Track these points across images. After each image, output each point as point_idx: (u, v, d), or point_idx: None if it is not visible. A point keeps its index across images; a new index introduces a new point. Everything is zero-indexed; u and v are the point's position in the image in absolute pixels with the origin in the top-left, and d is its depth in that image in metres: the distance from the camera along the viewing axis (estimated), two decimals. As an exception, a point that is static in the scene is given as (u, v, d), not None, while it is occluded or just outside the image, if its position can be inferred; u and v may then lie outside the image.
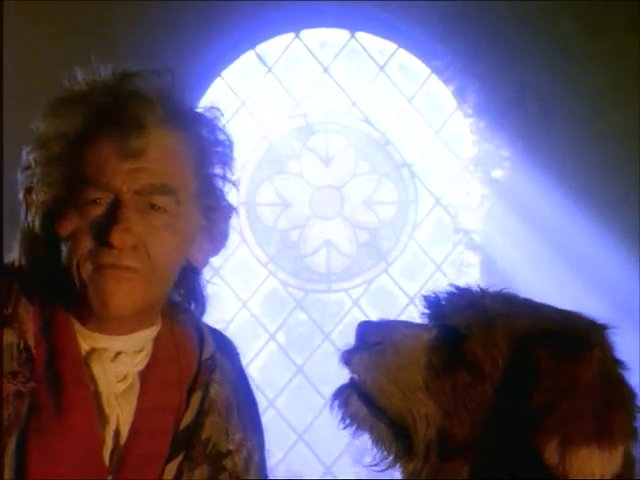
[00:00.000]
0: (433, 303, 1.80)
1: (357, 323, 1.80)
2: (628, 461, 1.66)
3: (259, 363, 5.55)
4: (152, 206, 1.95)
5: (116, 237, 1.90)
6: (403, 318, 5.61)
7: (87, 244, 1.91)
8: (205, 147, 2.03)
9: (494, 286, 1.81)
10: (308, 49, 5.86)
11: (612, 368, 1.69)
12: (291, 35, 5.84)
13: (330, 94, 5.88)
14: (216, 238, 2.07)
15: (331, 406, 1.77)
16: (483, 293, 1.78)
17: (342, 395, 1.76)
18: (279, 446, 5.44)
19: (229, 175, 2.06)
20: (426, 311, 1.80)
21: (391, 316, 5.68)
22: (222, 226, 2.07)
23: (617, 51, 5.47)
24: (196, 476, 2.02)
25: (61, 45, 5.47)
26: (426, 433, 1.69)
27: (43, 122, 2.02)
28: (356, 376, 1.75)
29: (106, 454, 1.95)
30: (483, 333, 1.69)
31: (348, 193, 5.86)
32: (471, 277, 5.60)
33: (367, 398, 1.74)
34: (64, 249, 1.94)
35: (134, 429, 1.97)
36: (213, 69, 5.73)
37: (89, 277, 1.92)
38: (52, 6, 5.47)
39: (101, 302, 1.92)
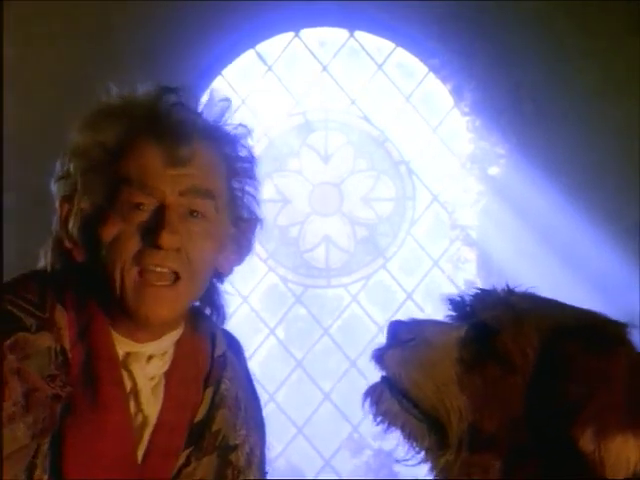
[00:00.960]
0: (459, 305, 1.82)
1: (389, 322, 1.82)
2: None
3: (259, 357, 5.54)
4: (192, 213, 2.00)
5: (165, 238, 1.95)
6: (401, 313, 5.63)
7: (133, 246, 1.96)
8: (233, 162, 2.09)
9: (519, 286, 1.83)
10: (307, 48, 5.87)
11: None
12: (291, 34, 5.85)
13: (329, 92, 5.88)
14: (242, 248, 2.12)
15: (363, 404, 1.77)
16: (509, 292, 1.80)
17: (375, 393, 1.77)
18: (279, 439, 5.45)
19: (253, 191, 2.12)
20: (452, 313, 1.82)
21: (389, 311, 5.71)
22: (248, 237, 2.13)
23: (611, 51, 5.48)
24: (203, 464, 2.07)
25: (63, 46, 5.49)
26: (459, 426, 1.70)
27: (80, 134, 2.04)
28: (390, 372, 1.76)
29: (141, 453, 2.00)
30: (513, 327, 1.71)
31: (347, 190, 5.87)
32: (468, 273, 5.63)
33: (400, 394, 1.75)
34: (104, 254, 1.97)
35: (159, 424, 2.02)
36: (214, 67, 5.73)
37: (133, 285, 1.96)
38: (54, 7, 5.48)
39: (145, 309, 1.97)
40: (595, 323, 1.74)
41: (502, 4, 5.45)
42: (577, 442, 1.62)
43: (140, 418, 2.01)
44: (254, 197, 2.13)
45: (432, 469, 1.75)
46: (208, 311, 2.15)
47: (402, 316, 5.50)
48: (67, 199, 2.03)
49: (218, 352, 2.16)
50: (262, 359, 5.59)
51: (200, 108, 2.08)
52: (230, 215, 2.07)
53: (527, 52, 5.47)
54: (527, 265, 5.31)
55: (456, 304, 1.82)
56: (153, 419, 2.02)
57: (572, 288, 5.18)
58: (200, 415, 2.09)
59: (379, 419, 1.76)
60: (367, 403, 1.77)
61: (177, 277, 1.98)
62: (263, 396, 2.35)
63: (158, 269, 1.97)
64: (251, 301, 5.76)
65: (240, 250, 2.12)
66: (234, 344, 2.23)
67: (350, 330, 5.76)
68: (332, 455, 5.59)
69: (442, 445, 1.72)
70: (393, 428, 1.76)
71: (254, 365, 5.42)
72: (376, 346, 1.80)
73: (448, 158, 5.78)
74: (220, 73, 5.78)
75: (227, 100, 2.13)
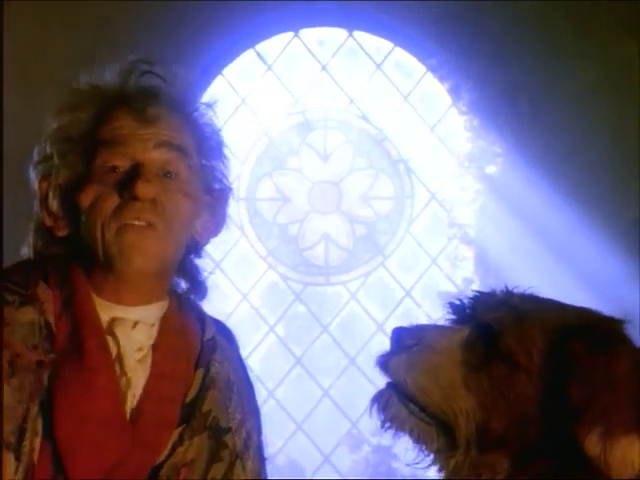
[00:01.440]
0: (459, 308, 1.83)
1: (392, 329, 1.81)
2: None
3: (259, 354, 5.54)
4: (166, 174, 2.06)
5: (140, 187, 2.01)
6: (400, 310, 5.63)
7: (111, 204, 2.02)
8: (200, 142, 2.14)
9: (517, 287, 1.84)
10: (307, 48, 5.88)
11: None
12: (290, 34, 5.85)
13: (328, 92, 5.88)
14: (218, 216, 2.18)
15: (370, 410, 1.78)
16: (509, 293, 1.81)
17: (381, 399, 1.78)
18: (279, 435, 5.46)
19: (222, 168, 2.18)
20: (453, 317, 1.83)
21: (388, 308, 5.72)
22: (222, 205, 2.19)
23: (606, 51, 5.49)
24: (195, 444, 2.10)
25: (63, 44, 5.49)
26: (467, 427, 1.71)
27: (57, 117, 2.13)
28: (395, 378, 1.77)
29: (127, 414, 2.05)
30: (516, 327, 1.72)
31: (346, 188, 5.87)
32: (465, 270, 5.64)
33: (407, 399, 1.76)
34: (84, 220, 2.04)
35: (145, 393, 2.06)
36: (214, 67, 5.74)
37: (113, 236, 2.02)
38: (54, 6, 5.49)
39: (126, 258, 2.02)
40: (596, 321, 1.76)
41: (499, 5, 5.46)
42: (582, 443, 1.63)
43: (124, 381, 2.05)
44: (223, 173, 2.18)
45: (441, 470, 1.76)
46: (187, 285, 2.21)
47: (400, 313, 5.52)
48: (45, 178, 2.11)
49: (207, 336, 2.20)
50: (262, 356, 5.59)
51: (169, 78, 2.16)
52: (202, 184, 2.13)
53: (524, 52, 5.47)
54: (524, 263, 5.32)
55: (456, 307, 1.83)
56: (138, 386, 2.06)
57: (568, 285, 5.21)
58: (191, 395, 2.12)
59: (387, 425, 1.77)
60: (374, 409, 1.77)
61: (153, 226, 2.04)
62: (263, 393, 2.36)
63: (136, 222, 2.03)
64: (251, 299, 5.76)
65: (216, 219, 2.18)
66: (224, 330, 2.29)
67: (349, 327, 5.76)
68: (331, 451, 5.60)
69: (451, 446, 1.73)
70: (401, 433, 1.76)
71: (254, 362, 5.44)
72: (380, 352, 1.80)
73: (446, 157, 5.78)
74: (220, 72, 5.78)
75: (190, 82, 2.21)
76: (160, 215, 2.04)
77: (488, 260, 5.50)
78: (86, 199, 2.04)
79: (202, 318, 2.23)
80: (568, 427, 1.65)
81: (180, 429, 2.09)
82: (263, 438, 2.26)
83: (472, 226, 5.62)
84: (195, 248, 2.18)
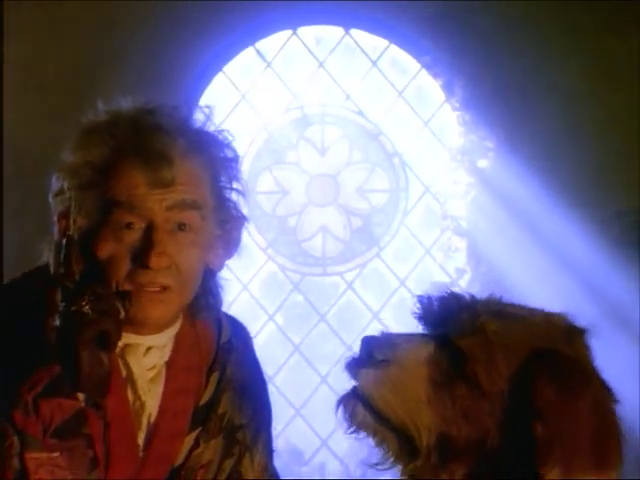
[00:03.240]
0: (426, 306, 1.83)
1: (362, 338, 1.82)
2: None
3: (259, 342, 5.26)
4: (179, 226, 2.06)
5: (153, 260, 2.02)
6: (395, 299, 5.63)
7: (125, 267, 2.02)
8: (217, 166, 2.14)
9: (481, 293, 1.83)
10: (305, 45, 5.88)
11: (604, 395, 1.73)
12: (289, 32, 5.84)
13: (326, 88, 5.88)
14: (230, 244, 2.19)
15: (336, 411, 1.81)
16: (477, 307, 1.79)
17: (348, 404, 1.80)
18: (278, 420, 5.39)
19: (238, 187, 2.17)
20: (419, 312, 1.84)
21: (383, 297, 5.71)
22: (236, 234, 2.19)
23: (594, 49, 5.50)
24: (211, 446, 2.15)
25: (67, 44, 5.50)
26: (428, 440, 1.74)
27: (71, 152, 2.11)
28: (363, 391, 1.78)
29: (141, 437, 2.08)
30: (483, 355, 1.72)
31: (342, 181, 5.87)
32: (458, 261, 5.65)
33: (372, 410, 1.78)
34: (102, 267, 2.03)
35: (162, 409, 2.10)
36: (215, 64, 5.75)
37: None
38: (58, 7, 5.51)
39: (140, 318, 2.04)
40: (558, 341, 1.74)
41: (491, 4, 5.46)
42: (542, 477, 1.66)
43: (138, 404, 2.08)
44: (240, 193, 2.18)
45: (402, 474, 1.79)
46: (206, 299, 2.20)
47: (395, 302, 5.53)
48: (63, 215, 2.10)
49: (224, 339, 2.23)
50: (262, 344, 5.52)
51: (180, 120, 2.12)
52: (216, 218, 2.13)
53: (515, 50, 5.47)
54: (514, 253, 5.36)
55: (423, 305, 1.84)
56: (152, 406, 2.09)
57: (554, 274, 5.25)
58: (205, 398, 2.16)
59: (352, 428, 1.80)
60: (340, 411, 1.80)
61: (169, 290, 2.05)
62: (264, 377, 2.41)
63: (150, 288, 2.04)
64: (251, 288, 5.77)
65: (228, 247, 2.18)
66: (240, 330, 2.32)
67: (346, 316, 5.76)
68: (329, 435, 5.62)
69: (412, 454, 1.76)
70: (365, 435, 1.80)
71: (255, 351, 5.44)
72: (349, 356, 1.81)
73: (439, 151, 5.78)
74: (221, 69, 5.79)
75: (209, 108, 2.18)
76: (175, 277, 2.04)
77: (480, 251, 5.52)
78: (103, 252, 2.03)
79: (219, 321, 2.25)
80: (530, 463, 1.67)
81: (196, 433, 2.13)
82: (272, 431, 2.31)
83: (464, 218, 5.63)
84: (210, 272, 2.18)
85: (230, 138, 2.16)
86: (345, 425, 1.79)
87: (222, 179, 2.14)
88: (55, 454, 1.96)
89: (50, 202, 2.13)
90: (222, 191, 2.14)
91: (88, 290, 1.96)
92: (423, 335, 1.82)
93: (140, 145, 2.07)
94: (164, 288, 2.05)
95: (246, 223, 2.21)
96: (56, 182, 2.12)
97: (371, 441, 1.80)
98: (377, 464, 1.80)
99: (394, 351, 1.77)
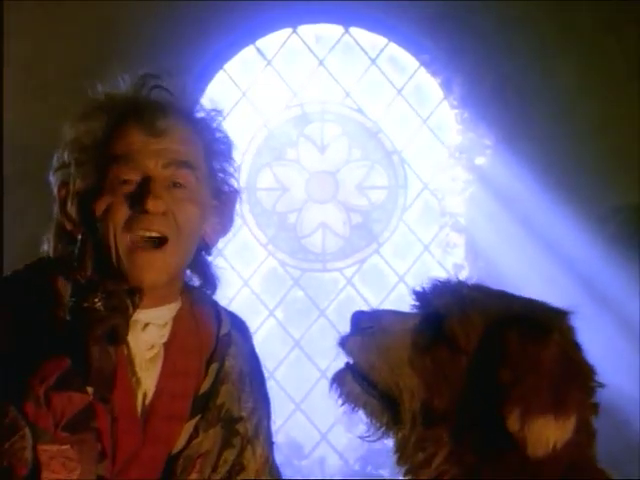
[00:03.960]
0: (421, 296, 1.91)
1: (352, 312, 1.92)
2: (587, 431, 1.79)
3: (259, 337, 5.49)
4: (175, 184, 2.10)
5: (150, 203, 2.05)
6: (394, 295, 5.64)
7: (123, 213, 2.06)
8: (210, 144, 2.18)
9: (471, 279, 1.92)
10: (305, 43, 5.90)
11: (571, 350, 1.79)
12: (289, 30, 5.87)
13: (325, 85, 5.90)
14: (225, 218, 2.22)
15: (330, 387, 1.89)
16: (462, 284, 1.89)
17: (339, 377, 1.88)
18: (278, 414, 5.38)
19: (230, 169, 2.21)
20: (416, 303, 1.92)
21: (382, 293, 5.72)
22: (230, 208, 2.23)
23: (589, 48, 5.53)
24: (210, 435, 2.16)
25: (68, 43, 5.53)
26: (411, 403, 1.80)
27: (73, 127, 2.16)
28: (351, 357, 1.88)
29: (138, 412, 2.10)
30: (460, 312, 1.80)
31: (342, 178, 5.88)
32: (456, 257, 5.67)
33: (360, 377, 1.86)
34: (99, 226, 2.08)
35: (158, 390, 2.12)
36: (216, 62, 5.78)
37: (125, 251, 2.06)
38: (58, 6, 5.54)
39: (137, 275, 2.06)
40: (534, 313, 1.82)
41: (490, 4, 5.48)
42: (505, 421, 1.72)
43: (133, 380, 2.10)
44: (232, 175, 2.22)
45: (392, 444, 1.86)
46: (199, 281, 2.24)
47: (394, 298, 5.55)
48: (64, 185, 2.14)
49: (223, 331, 2.24)
50: (262, 339, 5.58)
51: (177, 91, 2.18)
52: (210, 188, 2.17)
53: (512, 49, 5.50)
54: (511, 249, 5.38)
55: (419, 295, 1.91)
56: (149, 385, 2.11)
57: (550, 269, 5.27)
58: (204, 388, 2.18)
59: (343, 400, 1.87)
60: (334, 387, 1.88)
61: (165, 240, 2.08)
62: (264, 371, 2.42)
63: (147, 233, 2.07)
64: (252, 284, 5.79)
65: (223, 221, 2.22)
66: (239, 324, 2.33)
67: (345, 311, 5.63)
68: (328, 429, 5.64)
69: (398, 421, 1.83)
70: (356, 407, 1.87)
71: (254, 345, 5.44)
72: (342, 333, 1.91)
73: (438, 148, 5.80)
74: (222, 67, 5.81)
75: (199, 90, 2.24)
76: (171, 225, 2.08)
77: (477, 247, 5.54)
78: (100, 208, 2.07)
79: (218, 313, 2.27)
80: (495, 406, 1.74)
81: (195, 421, 2.15)
82: (272, 424, 2.33)
83: (462, 214, 5.65)
84: (205, 246, 2.22)
85: (220, 118, 2.21)
86: (337, 397, 1.87)
87: (213, 157, 2.18)
88: (65, 447, 1.98)
89: (50, 180, 2.18)
90: (213, 163, 2.18)
91: (100, 287, 2.01)
92: (410, 311, 1.91)
93: (138, 103, 2.13)
94: (161, 240, 2.07)
95: (240, 198, 2.25)
96: (57, 158, 2.17)
97: (362, 414, 1.87)
98: (368, 436, 1.88)
99: (380, 320, 1.87)
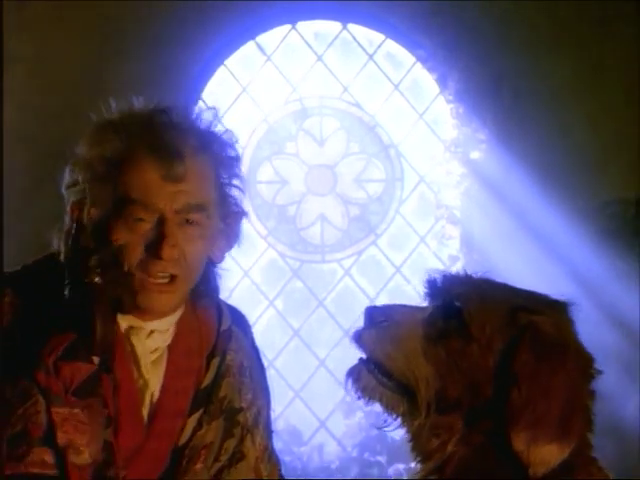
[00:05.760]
0: (433, 286, 1.94)
1: (365, 307, 1.94)
2: (586, 444, 1.82)
3: (259, 327, 5.57)
4: (187, 221, 2.12)
5: (166, 251, 2.09)
6: (391, 285, 5.63)
7: (138, 255, 2.09)
8: (221, 163, 2.20)
9: (476, 272, 1.95)
10: (304, 39, 5.93)
11: (579, 373, 1.82)
12: (288, 27, 5.91)
13: (324, 81, 5.93)
14: (231, 238, 2.24)
15: (345, 383, 1.90)
16: (470, 276, 1.93)
17: (354, 373, 1.90)
18: (278, 402, 5.37)
19: (238, 184, 2.23)
20: (427, 291, 1.95)
21: (379, 283, 5.71)
22: (236, 228, 2.24)
23: (582, 46, 5.56)
24: (213, 427, 2.21)
25: (71, 42, 5.56)
26: (427, 392, 1.83)
27: (85, 146, 2.16)
28: (367, 348, 1.89)
29: (145, 412, 2.16)
30: (477, 304, 1.84)
31: (340, 171, 5.92)
32: (451, 248, 5.70)
33: (376, 370, 1.88)
34: (114, 252, 2.10)
35: (164, 389, 2.17)
36: (217, 58, 5.82)
37: (138, 283, 2.10)
38: (63, 5, 5.56)
39: (147, 305, 2.12)
40: (540, 305, 1.86)
41: (484, 2, 5.52)
42: (511, 438, 1.76)
43: (141, 382, 2.15)
44: (240, 191, 2.23)
45: (407, 432, 1.90)
46: (204, 286, 2.25)
47: (391, 288, 5.55)
48: (77, 205, 2.15)
49: (224, 327, 2.28)
50: (262, 329, 5.62)
51: (190, 120, 2.18)
52: (220, 213, 2.18)
53: (506, 46, 5.54)
54: (505, 241, 5.41)
55: (430, 283, 1.95)
56: (155, 385, 2.16)
57: (543, 261, 5.29)
58: (206, 382, 2.22)
59: (359, 394, 1.89)
60: (349, 382, 1.89)
61: (175, 277, 2.12)
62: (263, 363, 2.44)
63: (159, 275, 2.10)
64: (252, 275, 5.83)
65: (229, 240, 2.23)
66: (240, 319, 2.36)
67: (343, 301, 5.79)
68: (327, 416, 5.67)
69: (414, 410, 1.85)
70: (372, 401, 1.89)
71: (255, 334, 5.43)
72: (355, 328, 1.92)
73: (434, 142, 5.83)
74: (223, 63, 5.85)
75: (214, 109, 2.26)
76: (182, 267, 2.11)
77: (472, 239, 5.57)
78: (117, 239, 2.09)
79: (219, 309, 2.31)
80: (502, 424, 1.77)
81: (199, 414, 2.19)
82: (272, 412, 2.37)
83: (458, 207, 5.68)
84: (211, 263, 2.23)
85: (234, 138, 2.22)
86: (353, 392, 1.90)
87: (224, 176, 2.19)
88: (76, 410, 2.06)
89: (63, 193, 2.19)
90: (224, 187, 2.20)
91: (96, 262, 2.10)
92: (420, 305, 1.95)
93: (153, 141, 2.12)
94: (172, 278, 2.12)
95: (245, 217, 2.26)
96: (70, 175, 2.17)
97: (379, 407, 1.90)
98: (385, 426, 1.91)
99: (393, 313, 1.91)
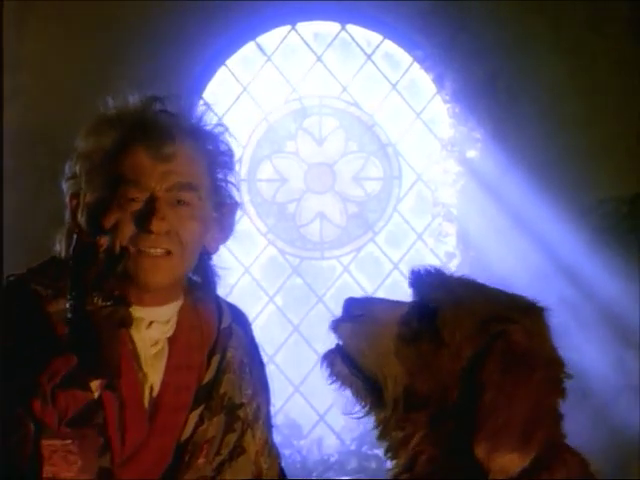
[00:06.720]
0: (416, 280, 1.96)
1: (345, 298, 1.98)
2: (557, 435, 1.84)
3: (260, 323, 5.58)
4: (179, 201, 2.17)
5: (155, 224, 2.12)
6: (389, 282, 5.63)
7: (129, 231, 2.13)
8: (214, 156, 2.25)
9: (470, 276, 1.97)
10: (303, 40, 5.94)
11: (547, 385, 1.81)
12: (288, 27, 5.91)
13: (323, 80, 5.93)
14: (225, 228, 2.28)
15: (321, 366, 1.94)
16: (451, 276, 1.95)
17: (329, 358, 1.94)
18: (278, 397, 5.36)
19: (231, 179, 2.28)
20: (410, 280, 1.95)
21: (378, 280, 5.70)
22: (230, 219, 2.28)
23: (576, 46, 5.56)
24: (214, 423, 2.23)
25: (73, 41, 5.58)
26: (394, 390, 1.87)
27: (84, 140, 2.22)
28: (341, 341, 1.93)
29: (145, 404, 2.17)
30: (449, 310, 1.85)
31: (339, 170, 5.92)
32: (448, 245, 5.70)
33: (349, 360, 1.91)
34: (108, 238, 2.14)
35: (165, 384, 2.19)
36: (218, 58, 5.83)
37: (132, 258, 2.13)
38: (64, 5, 5.57)
39: (142, 279, 2.15)
40: (514, 312, 1.85)
41: (480, 3, 5.52)
42: (473, 445, 1.76)
43: (140, 376, 2.16)
44: (233, 185, 2.27)
45: (374, 422, 1.95)
46: (201, 279, 2.29)
47: (389, 284, 5.54)
48: (75, 196, 2.21)
49: (224, 324, 2.31)
50: (262, 324, 5.62)
51: (182, 112, 2.23)
52: (212, 202, 2.22)
53: (502, 46, 5.54)
54: (500, 238, 5.43)
55: (414, 275, 1.98)
56: (155, 378, 2.18)
57: (537, 259, 5.30)
58: (207, 378, 2.24)
59: (332, 379, 1.94)
60: (324, 365, 1.94)
61: (169, 253, 2.15)
62: (263, 358, 2.44)
63: (152, 250, 2.14)
64: (252, 272, 5.83)
65: (223, 231, 2.27)
66: (240, 316, 2.39)
67: (342, 298, 5.67)
68: (326, 411, 5.68)
69: (380, 404, 1.89)
70: (343, 387, 1.94)
71: (255, 330, 5.37)
72: (333, 317, 1.97)
73: (431, 141, 5.83)
74: (224, 63, 5.86)
75: (206, 104, 2.33)
76: (175, 242, 2.15)
77: (469, 236, 5.58)
78: (108, 222, 2.14)
79: (220, 307, 2.33)
80: (466, 431, 1.78)
81: (200, 410, 2.22)
82: (271, 409, 2.39)
83: (454, 205, 5.67)
84: (207, 255, 2.27)
85: (225, 132, 2.27)
86: (327, 376, 1.94)
87: (217, 168, 2.24)
88: (68, 441, 2.04)
89: (62, 187, 2.24)
90: (216, 177, 2.25)
91: (93, 284, 2.14)
92: (399, 300, 1.96)
93: (145, 126, 2.18)
94: (167, 253, 2.15)
95: (240, 209, 2.30)
96: (69, 168, 2.23)
97: (348, 393, 1.95)
98: (354, 413, 1.96)
99: (370, 308, 1.94)
